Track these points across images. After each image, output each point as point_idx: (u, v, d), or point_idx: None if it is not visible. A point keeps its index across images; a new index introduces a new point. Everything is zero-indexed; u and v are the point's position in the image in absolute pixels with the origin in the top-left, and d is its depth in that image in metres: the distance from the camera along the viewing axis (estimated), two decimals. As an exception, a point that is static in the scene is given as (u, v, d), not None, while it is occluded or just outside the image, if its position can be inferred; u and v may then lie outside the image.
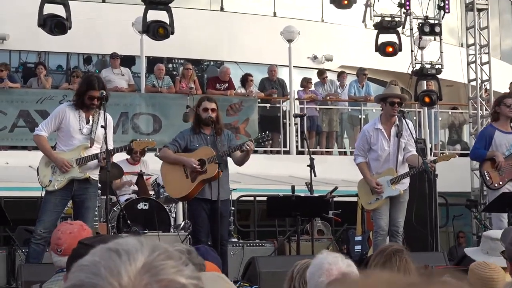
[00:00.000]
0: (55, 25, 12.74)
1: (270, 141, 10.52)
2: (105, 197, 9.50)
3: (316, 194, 10.52)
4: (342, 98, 17.98)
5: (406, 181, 9.58)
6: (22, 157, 15.23)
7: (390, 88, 9.79)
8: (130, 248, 1.35)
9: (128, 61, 19.09)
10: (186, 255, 4.23)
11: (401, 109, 9.58)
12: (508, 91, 17.61)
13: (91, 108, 8.35)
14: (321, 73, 18.25)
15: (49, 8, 12.94)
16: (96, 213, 9.94)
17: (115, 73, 16.11)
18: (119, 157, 10.86)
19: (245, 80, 17.18)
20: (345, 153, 18.18)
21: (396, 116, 9.48)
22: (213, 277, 4.11)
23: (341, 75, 18.37)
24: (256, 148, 15.07)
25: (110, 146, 8.37)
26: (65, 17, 12.81)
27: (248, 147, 8.55)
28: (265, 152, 17.37)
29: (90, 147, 8.34)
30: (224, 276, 4.09)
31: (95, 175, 8.43)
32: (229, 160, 8.93)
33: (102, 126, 8.28)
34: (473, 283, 4.68)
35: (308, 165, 9.98)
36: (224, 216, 8.77)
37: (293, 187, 10.37)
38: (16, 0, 18.27)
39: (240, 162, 8.89)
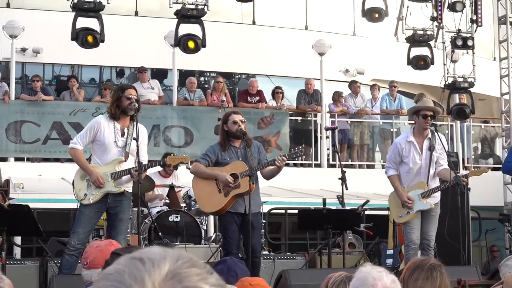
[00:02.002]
0: (86, 39, 12.86)
1: (303, 156, 10.48)
2: (136, 209, 9.56)
3: (347, 207, 10.49)
4: (374, 111, 17.93)
5: (437, 194, 9.53)
6: (55, 169, 15.37)
7: (423, 101, 9.75)
8: (154, 256, 1.37)
9: (160, 74, 19.22)
10: (207, 265, 4.24)
11: (434, 122, 9.54)
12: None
13: (129, 111, 8.35)
14: (352, 82, 18.21)
15: (82, 22, 13.08)
16: (127, 225, 9.98)
17: (145, 87, 16.19)
18: (151, 170, 10.87)
19: (274, 93, 17.20)
20: (376, 167, 18.11)
21: (429, 130, 9.44)
22: None
23: (373, 87, 18.33)
24: (287, 161, 15.10)
25: (144, 159, 8.39)
26: (98, 30, 12.94)
27: (280, 163, 8.54)
28: (295, 165, 17.37)
29: (125, 160, 8.37)
30: None
31: (129, 188, 8.47)
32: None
33: (134, 138, 8.31)
34: None
35: (339, 178, 9.96)
36: (255, 228, 8.77)
37: (324, 200, 10.35)
38: (50, 13, 18.47)
39: (269, 177, 8.89)
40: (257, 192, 8.87)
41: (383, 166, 16.68)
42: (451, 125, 18.21)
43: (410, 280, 4.45)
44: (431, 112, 9.42)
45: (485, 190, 14.66)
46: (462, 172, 11.23)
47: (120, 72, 20.48)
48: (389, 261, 11.86)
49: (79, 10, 12.87)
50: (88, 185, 8.40)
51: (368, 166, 18.14)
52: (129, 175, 8.33)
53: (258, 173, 8.82)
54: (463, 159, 17.80)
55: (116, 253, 4.03)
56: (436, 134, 9.47)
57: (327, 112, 17.39)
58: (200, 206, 9.71)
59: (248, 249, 8.60)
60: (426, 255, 9.04)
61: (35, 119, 15.49)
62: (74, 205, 9.15)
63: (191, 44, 13.48)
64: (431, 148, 9.37)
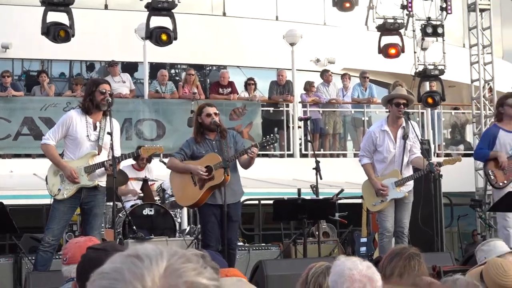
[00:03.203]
0: (58, 33, 12.77)
1: (276, 143, 10.49)
2: (111, 203, 9.53)
3: (321, 197, 10.53)
4: (345, 100, 17.99)
5: (411, 182, 9.59)
6: (26, 165, 15.26)
7: (396, 89, 9.80)
8: (150, 253, 1.38)
9: (130, 67, 19.15)
10: (200, 259, 4.24)
11: (406, 110, 9.59)
12: (511, 90, 17.65)
13: (102, 106, 8.32)
14: (324, 71, 18.26)
15: (52, 16, 12.98)
16: (102, 219, 9.95)
17: (116, 81, 16.10)
18: (124, 163, 10.86)
19: (246, 84, 17.22)
20: (348, 155, 18.19)
21: (403, 118, 9.49)
22: (234, 282, 4.11)
23: (343, 76, 18.39)
24: (260, 152, 15.12)
25: (118, 152, 8.37)
26: (68, 24, 12.85)
27: (252, 153, 8.57)
28: (268, 155, 17.40)
29: (98, 154, 8.35)
30: (245, 280, 4.11)
31: (103, 182, 8.44)
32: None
33: (108, 133, 8.28)
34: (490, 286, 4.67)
35: (313, 168, 9.99)
36: (234, 221, 8.79)
37: (299, 190, 10.39)
38: (18, 8, 18.32)
39: (246, 166, 8.90)
40: (235, 181, 8.87)
41: (355, 155, 16.78)
42: (422, 113, 18.33)
43: (388, 268, 4.49)
44: (404, 100, 9.47)
45: (456, 176, 14.72)
46: (435, 160, 11.29)
47: (90, 66, 20.38)
48: (363, 249, 11.93)
49: (49, 4, 12.76)
50: (62, 180, 8.35)
51: (341, 155, 18.21)
52: (103, 168, 8.30)
53: (237, 162, 8.84)
54: (434, 146, 17.91)
55: (92, 248, 4.02)
56: (409, 122, 9.53)
57: (299, 102, 17.43)
58: (177, 200, 9.72)
59: (224, 240, 8.61)
60: (400, 243, 9.11)
61: (5, 115, 15.38)
62: (47, 201, 9.11)
63: (164, 37, 13.42)
64: (405, 137, 9.42)
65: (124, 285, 1.33)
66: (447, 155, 17.97)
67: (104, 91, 8.31)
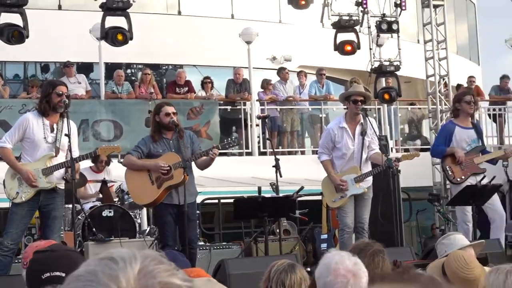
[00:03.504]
0: (13, 34, 12.63)
1: (237, 145, 10.54)
2: (70, 205, 9.45)
3: (281, 195, 10.55)
4: (302, 97, 18.03)
5: (370, 178, 9.66)
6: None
7: (353, 86, 9.87)
8: (124, 256, 1.40)
9: (86, 68, 19.00)
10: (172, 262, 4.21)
11: (364, 107, 9.64)
12: (466, 85, 17.86)
13: (59, 108, 8.26)
14: (281, 69, 18.29)
15: (5, 17, 12.83)
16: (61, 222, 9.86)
17: (72, 82, 15.95)
18: (83, 165, 10.78)
19: (203, 83, 17.20)
20: (306, 152, 18.24)
21: (361, 115, 9.55)
22: (205, 281, 4.11)
23: (300, 74, 18.44)
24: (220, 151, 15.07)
25: (76, 154, 8.33)
26: (22, 25, 12.71)
27: (214, 155, 8.57)
28: (226, 154, 17.39)
29: (56, 156, 8.28)
30: (214, 280, 4.10)
31: (61, 184, 8.37)
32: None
33: (66, 135, 8.22)
34: (452, 279, 4.70)
35: (273, 166, 10.00)
36: (192, 220, 8.78)
37: (259, 188, 10.38)
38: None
39: (203, 167, 8.90)
40: (191, 182, 8.86)
41: (314, 152, 16.84)
42: (379, 109, 18.44)
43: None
44: (361, 97, 9.53)
45: (414, 171, 14.82)
46: (394, 155, 11.38)
47: (45, 67, 20.19)
48: (324, 245, 11.98)
49: (2, 5, 12.61)
50: (20, 183, 8.28)
51: (300, 153, 18.26)
52: (62, 169, 8.23)
53: (193, 163, 8.82)
54: (391, 142, 18.04)
55: (38, 251, 3.98)
56: (367, 119, 9.59)
57: (257, 100, 17.44)
58: (133, 199, 9.67)
59: (184, 241, 8.59)
60: (360, 238, 9.16)
61: (-40, 118, 15.17)
62: (5, 205, 9.01)
63: (119, 37, 13.34)
64: (363, 133, 9.48)
65: (100, 287, 1.34)
66: (405, 150, 18.11)
67: (60, 93, 8.26)
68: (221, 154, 16.40)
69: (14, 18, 12.89)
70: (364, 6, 15.54)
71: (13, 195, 8.28)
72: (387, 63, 15.84)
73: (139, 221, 11.61)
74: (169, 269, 1.41)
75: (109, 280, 1.34)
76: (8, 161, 8.38)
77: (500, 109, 19.23)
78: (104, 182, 11.68)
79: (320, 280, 3.77)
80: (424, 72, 16.81)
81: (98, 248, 9.90)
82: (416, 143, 19.60)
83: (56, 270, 3.43)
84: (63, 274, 3.40)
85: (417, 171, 15.51)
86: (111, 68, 18.24)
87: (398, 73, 15.97)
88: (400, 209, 11.58)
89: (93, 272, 1.37)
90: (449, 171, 10.44)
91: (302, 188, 11.64)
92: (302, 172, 15.08)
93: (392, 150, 16.92)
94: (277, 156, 10.34)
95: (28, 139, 8.29)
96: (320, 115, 18.02)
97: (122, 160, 10.99)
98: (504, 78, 19.11)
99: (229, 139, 9.37)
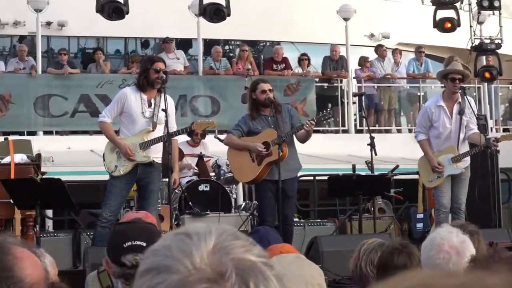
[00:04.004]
0: (113, 10, 12.88)
1: (332, 118, 10.43)
2: (166, 179, 9.61)
3: (376, 173, 10.48)
4: (399, 75, 17.82)
5: (467, 158, 9.49)
6: (83, 141, 15.46)
7: (452, 64, 9.66)
8: (199, 231, 1.41)
9: (185, 44, 19.21)
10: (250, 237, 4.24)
11: (462, 86, 9.47)
12: None
13: (156, 84, 8.39)
14: (379, 46, 18.10)
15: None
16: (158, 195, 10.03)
17: (170, 58, 16.16)
18: (180, 139, 10.93)
19: (300, 60, 17.17)
20: (403, 131, 18.05)
21: (459, 94, 9.38)
22: (293, 258, 4.13)
23: (394, 51, 18.17)
24: (315, 128, 15.05)
25: (173, 128, 8.45)
26: (122, 2, 12.94)
27: (308, 127, 8.55)
28: (322, 131, 17.36)
29: (153, 130, 8.42)
30: (303, 257, 4.12)
31: (158, 158, 8.51)
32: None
33: (163, 110, 8.35)
34: None
35: (368, 144, 9.94)
36: (290, 197, 8.80)
37: (353, 166, 10.36)
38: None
39: (302, 140, 8.89)
40: (292, 156, 8.86)
41: (410, 131, 16.66)
42: (479, 87, 18.07)
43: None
44: (459, 75, 9.35)
45: (514, 152, 14.54)
46: (493, 135, 11.15)
47: (145, 43, 20.50)
48: (419, 225, 11.87)
49: (104, -18, 12.88)
50: (118, 157, 8.46)
51: (396, 131, 18.08)
52: (161, 143, 8.37)
53: (294, 137, 8.83)
54: (491, 121, 17.68)
55: (120, 223, 4.09)
56: (465, 98, 9.42)
57: (354, 78, 17.32)
58: (236, 177, 9.77)
59: (279, 216, 8.63)
60: (457, 219, 9.04)
61: (62, 92, 15.57)
62: (104, 177, 9.23)
63: (218, 13, 13.44)
64: (461, 112, 9.32)
65: (173, 262, 1.36)
66: (505, 130, 17.73)
67: (158, 69, 8.38)
68: (317, 132, 16.43)
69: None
70: (465, -18, 15.25)
71: (112, 168, 8.47)
72: (487, 41, 15.52)
73: (234, 196, 11.71)
74: (244, 245, 1.41)
75: (182, 255, 1.36)
76: (108, 135, 8.57)
77: None
78: (200, 157, 11.81)
79: (424, 253, 3.75)
80: (527, 51, 16.41)
81: (194, 222, 10.04)
82: (516, 123, 19.16)
83: (138, 240, 3.53)
84: (144, 244, 3.50)
85: (517, 152, 15.18)
86: (209, 45, 18.39)
87: (499, 51, 15.63)
88: (498, 190, 11.37)
89: (168, 247, 1.39)
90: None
91: (397, 166, 11.54)
92: (398, 151, 14.93)
93: (491, 130, 16.59)
94: (373, 134, 10.27)
95: (126, 113, 8.45)
96: (418, 94, 17.78)
97: (219, 135, 11.13)
98: None
99: (324, 111, 9.36)
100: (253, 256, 1.39)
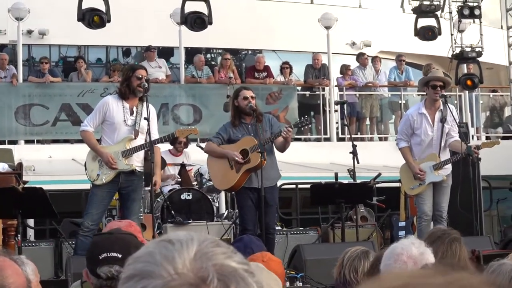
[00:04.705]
0: (93, 19, 12.86)
1: (310, 125, 10.40)
2: (149, 188, 9.58)
3: (358, 181, 10.50)
4: (380, 83, 17.88)
5: (449, 166, 9.54)
6: (65, 150, 15.41)
7: (432, 72, 9.73)
8: (182, 238, 1.43)
9: (166, 52, 19.19)
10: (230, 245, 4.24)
11: (443, 93, 9.51)
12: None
13: (138, 92, 8.39)
14: (360, 55, 18.16)
15: (88, 3, 13.06)
16: (140, 204, 10.01)
17: (152, 66, 16.13)
18: (162, 148, 10.91)
19: (282, 68, 17.20)
20: (386, 139, 18.10)
21: (440, 101, 9.42)
22: (253, 266, 4.11)
23: (374, 59, 18.20)
24: (296, 136, 15.08)
25: (155, 136, 8.44)
26: (104, 10, 12.93)
27: (286, 134, 8.55)
28: (305, 139, 17.38)
29: (135, 138, 8.41)
30: (263, 266, 4.11)
31: (140, 167, 8.50)
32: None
33: (145, 118, 8.34)
34: None
35: (350, 152, 9.96)
36: (270, 205, 8.79)
37: (336, 174, 10.36)
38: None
39: (281, 149, 8.89)
40: (272, 165, 8.87)
41: (386, 139, 16.74)
42: (460, 95, 18.16)
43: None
44: (440, 83, 9.39)
45: (495, 159, 14.59)
46: (474, 143, 11.21)
47: (127, 51, 20.47)
48: (402, 233, 11.88)
49: (85, -10, 12.85)
50: (100, 166, 8.44)
51: (378, 139, 18.13)
52: (141, 151, 8.36)
53: (273, 146, 8.84)
54: (472, 129, 17.76)
55: (98, 234, 4.11)
56: (447, 105, 9.46)
57: (335, 86, 17.36)
58: (215, 185, 9.76)
59: (261, 225, 8.63)
60: (438, 226, 9.06)
61: (43, 101, 15.50)
62: (86, 186, 9.20)
63: (198, 22, 13.45)
64: (443, 120, 9.36)
65: (156, 268, 1.38)
66: (487, 138, 17.82)
67: (140, 76, 8.37)
68: (299, 140, 16.47)
69: (96, 3, 13.12)
70: (446, -10, 15.33)
71: (94, 177, 8.44)
72: (468, 49, 15.61)
73: (217, 204, 11.70)
74: (226, 252, 1.43)
75: (165, 261, 1.38)
76: (90, 144, 8.55)
77: None
78: (183, 166, 11.80)
79: (383, 262, 3.77)
80: (507, 59, 16.49)
81: (177, 231, 10.01)
82: (497, 131, 19.25)
83: (113, 251, 3.55)
84: (120, 255, 3.52)
85: (499, 159, 15.26)
86: (191, 53, 18.39)
87: (480, 59, 15.71)
88: (480, 197, 11.40)
89: (150, 254, 1.41)
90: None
91: (379, 174, 11.56)
92: (381, 159, 14.98)
93: (473, 138, 16.67)
94: (355, 142, 10.29)
95: (108, 121, 8.44)
96: (400, 102, 17.84)
97: (201, 144, 11.11)
98: None
99: (302, 118, 9.36)
100: (234, 262, 1.41)
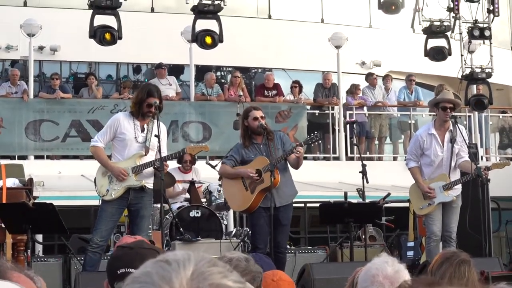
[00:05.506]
0: (104, 36, 12.93)
1: (320, 141, 10.36)
2: (158, 205, 9.59)
3: (368, 200, 10.50)
4: (390, 103, 17.89)
5: (459, 186, 9.52)
6: (74, 166, 15.44)
7: (443, 93, 9.71)
8: (179, 258, 1.46)
9: (177, 70, 19.26)
10: (244, 262, 4.22)
11: (453, 114, 9.52)
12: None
13: (147, 116, 8.43)
14: (369, 75, 18.19)
15: (100, 20, 13.13)
16: (149, 221, 10.01)
17: (163, 83, 16.18)
18: (171, 166, 10.94)
19: (291, 87, 17.25)
20: (395, 159, 18.09)
21: (450, 122, 9.43)
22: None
23: (385, 78, 18.23)
24: (305, 155, 15.07)
25: (164, 154, 8.45)
26: (115, 27, 12.99)
27: (298, 152, 8.57)
28: (314, 158, 17.38)
29: (145, 155, 8.43)
30: (248, 284, 4.11)
31: (150, 184, 8.51)
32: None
33: (156, 135, 8.36)
34: None
35: (360, 171, 9.97)
36: (284, 224, 8.79)
37: (345, 193, 10.37)
38: (67, 11, 18.55)
39: (295, 166, 8.90)
40: (287, 183, 8.88)
41: (395, 158, 16.71)
42: (469, 116, 18.15)
43: (437, 273, 4.46)
44: (451, 104, 9.40)
45: (504, 180, 14.58)
46: (484, 164, 11.19)
47: (137, 68, 20.54)
48: (410, 253, 11.86)
49: (96, 7, 12.93)
50: (110, 181, 8.45)
51: (388, 158, 18.11)
52: (151, 168, 8.37)
53: (288, 163, 8.84)
54: (482, 150, 17.74)
55: (120, 246, 4.06)
56: (457, 126, 9.46)
57: (345, 105, 17.38)
58: (230, 206, 9.76)
59: (271, 243, 8.62)
60: (447, 247, 9.04)
61: (53, 117, 15.57)
62: (94, 202, 9.22)
63: (208, 40, 13.52)
64: (453, 141, 9.36)
65: (154, 287, 1.39)
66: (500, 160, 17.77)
67: (151, 103, 8.38)
68: (308, 159, 16.47)
69: (108, 20, 13.19)
70: (456, 12, 15.35)
71: (103, 193, 8.45)
72: (478, 70, 15.60)
73: (225, 222, 11.70)
74: (222, 271, 1.45)
75: (162, 281, 1.40)
76: (100, 160, 8.56)
77: None
78: (192, 183, 11.81)
79: (359, 285, 3.74)
80: (517, 80, 16.50)
81: (185, 248, 10.02)
82: (507, 152, 19.22)
83: (131, 267, 3.49)
84: None
85: (508, 181, 15.23)
86: (201, 71, 18.46)
87: (489, 80, 15.72)
88: (489, 218, 11.37)
89: (148, 274, 1.43)
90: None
91: (389, 194, 11.56)
92: (390, 178, 14.96)
93: (482, 159, 16.64)
94: (364, 162, 10.30)
95: (119, 138, 8.46)
96: (409, 122, 17.85)
97: (210, 161, 11.13)
98: None
99: (312, 134, 9.36)
100: (230, 281, 1.43)
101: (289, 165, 8.90)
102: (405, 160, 10.20)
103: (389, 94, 17.89)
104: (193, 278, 1.40)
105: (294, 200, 12.88)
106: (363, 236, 11.19)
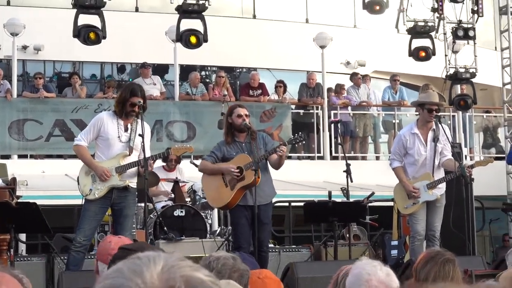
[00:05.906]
0: (88, 36, 12.88)
1: (304, 141, 10.34)
2: (142, 204, 9.57)
3: (352, 200, 10.52)
4: (374, 103, 17.92)
5: (443, 185, 9.55)
6: (58, 165, 15.38)
7: (428, 94, 9.68)
8: (149, 254, 1.49)
9: (161, 69, 19.22)
10: (231, 260, 4.22)
11: (437, 114, 9.53)
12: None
13: (130, 116, 8.41)
14: (353, 75, 18.22)
15: (84, 19, 13.08)
16: (133, 220, 9.98)
17: (147, 83, 16.12)
18: (155, 164, 10.91)
19: (276, 87, 17.25)
20: (379, 158, 18.12)
21: (433, 121, 9.45)
22: (224, 284, 4.11)
23: (364, 78, 18.21)
24: (290, 154, 15.10)
25: (148, 154, 8.42)
26: (99, 27, 12.95)
27: (281, 152, 8.57)
28: (298, 158, 17.39)
29: (129, 155, 8.40)
30: (233, 282, 4.11)
31: (133, 183, 8.49)
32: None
33: (139, 135, 8.33)
34: None
35: (344, 171, 9.98)
36: (265, 223, 8.78)
37: (329, 192, 10.37)
38: (51, 10, 18.48)
39: (276, 166, 8.88)
40: (267, 182, 8.86)
41: (377, 158, 16.76)
42: (453, 116, 18.21)
43: (422, 272, 4.47)
44: (436, 106, 9.42)
45: (488, 179, 14.64)
46: (467, 162, 11.23)
47: (121, 68, 20.49)
48: (394, 252, 11.90)
49: (80, 7, 12.87)
50: (93, 181, 8.42)
51: (372, 158, 18.14)
52: (135, 168, 8.35)
53: (268, 164, 8.84)
54: (466, 149, 17.80)
55: (123, 248, 4.05)
56: (440, 125, 9.48)
57: (329, 105, 17.39)
58: (210, 203, 9.75)
59: (255, 242, 8.61)
60: (431, 246, 9.07)
61: (37, 116, 15.51)
62: (78, 201, 9.17)
63: (193, 39, 13.49)
64: (436, 140, 9.38)
65: (125, 281, 1.42)
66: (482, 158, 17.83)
67: (135, 103, 8.36)
68: (292, 158, 16.48)
69: (92, 20, 13.14)
70: (440, 12, 15.40)
71: (87, 192, 8.42)
72: (462, 70, 15.66)
73: (210, 221, 11.68)
74: (192, 265, 1.47)
75: (133, 275, 1.42)
76: (83, 159, 8.52)
77: None
78: (176, 182, 11.79)
79: None
80: (501, 80, 16.56)
81: (169, 247, 10.01)
82: (491, 152, 19.30)
83: None
84: None
85: (491, 180, 15.32)
86: (185, 70, 18.43)
87: (473, 80, 15.77)
88: (472, 217, 11.42)
89: (119, 270, 1.46)
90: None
91: (372, 193, 11.58)
92: (374, 178, 14.99)
93: (466, 158, 16.70)
94: (349, 161, 10.31)
95: (102, 137, 8.43)
96: (393, 121, 17.89)
97: (194, 161, 11.11)
98: None
99: (296, 135, 9.36)
100: (201, 274, 1.46)
101: (269, 166, 8.89)
102: (389, 160, 10.22)
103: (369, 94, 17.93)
104: (164, 270, 1.43)
105: (278, 199, 12.97)
106: (347, 235, 11.21)
